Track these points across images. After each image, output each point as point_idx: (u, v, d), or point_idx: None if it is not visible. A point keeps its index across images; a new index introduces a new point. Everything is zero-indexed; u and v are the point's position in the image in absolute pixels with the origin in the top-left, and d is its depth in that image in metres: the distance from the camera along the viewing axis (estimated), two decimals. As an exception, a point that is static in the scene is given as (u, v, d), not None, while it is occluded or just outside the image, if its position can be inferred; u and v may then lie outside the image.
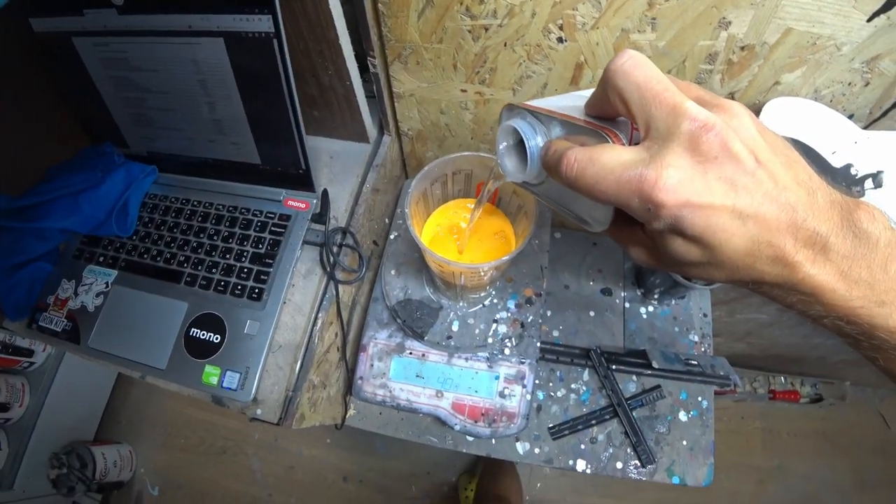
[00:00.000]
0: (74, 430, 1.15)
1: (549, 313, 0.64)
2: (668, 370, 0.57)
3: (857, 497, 1.16)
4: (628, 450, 0.56)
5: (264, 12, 0.40)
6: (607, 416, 0.57)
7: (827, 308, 0.21)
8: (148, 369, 0.48)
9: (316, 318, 0.50)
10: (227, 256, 0.51)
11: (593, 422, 0.57)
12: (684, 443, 0.56)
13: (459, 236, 0.48)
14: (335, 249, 0.51)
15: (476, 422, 0.53)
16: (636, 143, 0.21)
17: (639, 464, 0.55)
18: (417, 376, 0.55)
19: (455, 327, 0.54)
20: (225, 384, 0.46)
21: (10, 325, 0.54)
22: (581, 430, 0.57)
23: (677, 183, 0.19)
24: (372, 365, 0.56)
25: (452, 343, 0.53)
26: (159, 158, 0.57)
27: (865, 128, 0.43)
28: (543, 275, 0.56)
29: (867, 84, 0.40)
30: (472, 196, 0.49)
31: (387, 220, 0.65)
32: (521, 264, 0.56)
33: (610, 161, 0.21)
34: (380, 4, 0.42)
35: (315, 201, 0.53)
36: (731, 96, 0.43)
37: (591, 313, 0.64)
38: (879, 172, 0.40)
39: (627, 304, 0.65)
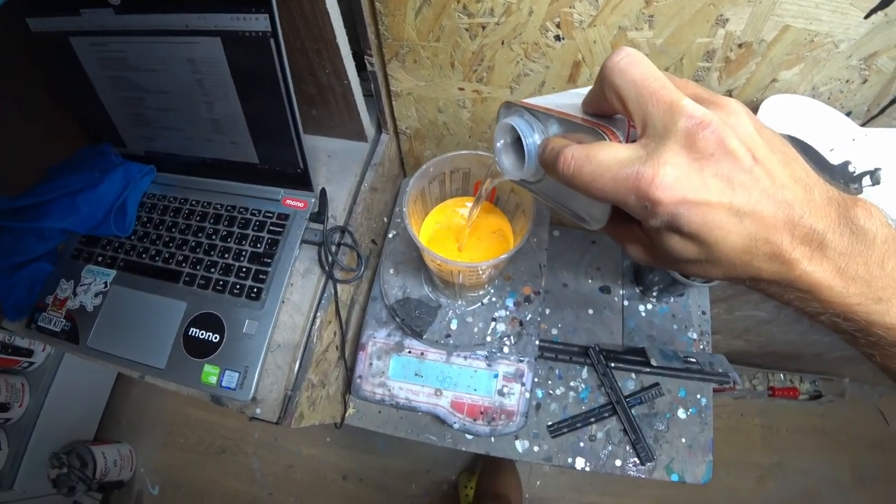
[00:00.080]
0: (74, 429, 1.15)
1: (547, 311, 0.64)
2: (667, 368, 0.57)
3: (856, 493, 1.16)
4: (627, 447, 0.56)
5: (261, 11, 0.40)
6: (606, 414, 0.57)
7: (824, 305, 0.21)
8: (147, 369, 0.48)
9: (314, 318, 0.50)
10: (226, 256, 0.51)
11: (592, 420, 0.57)
12: (683, 440, 0.56)
13: (458, 235, 0.48)
14: (333, 248, 0.51)
15: (475, 420, 0.53)
16: (633, 141, 0.21)
17: (638, 461, 0.55)
18: (416, 375, 0.55)
19: (454, 326, 0.54)
20: (224, 383, 0.46)
21: (10, 326, 0.54)
22: (580, 427, 0.57)
23: (674, 180, 0.19)
24: (371, 364, 0.56)
25: (451, 341, 0.53)
26: (157, 158, 0.57)
27: (863, 125, 0.43)
28: (542, 273, 0.56)
29: (865, 81, 0.40)
30: (471, 194, 0.49)
31: (385, 219, 0.65)
32: (519, 262, 0.56)
33: (607, 159, 0.21)
34: (377, 3, 0.42)
35: (313, 200, 0.53)
36: (729, 94, 0.43)
37: (590, 311, 0.64)
38: (877, 169, 0.40)
39: (626, 302, 0.65)
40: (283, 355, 0.48)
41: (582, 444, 0.57)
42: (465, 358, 0.55)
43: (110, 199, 0.53)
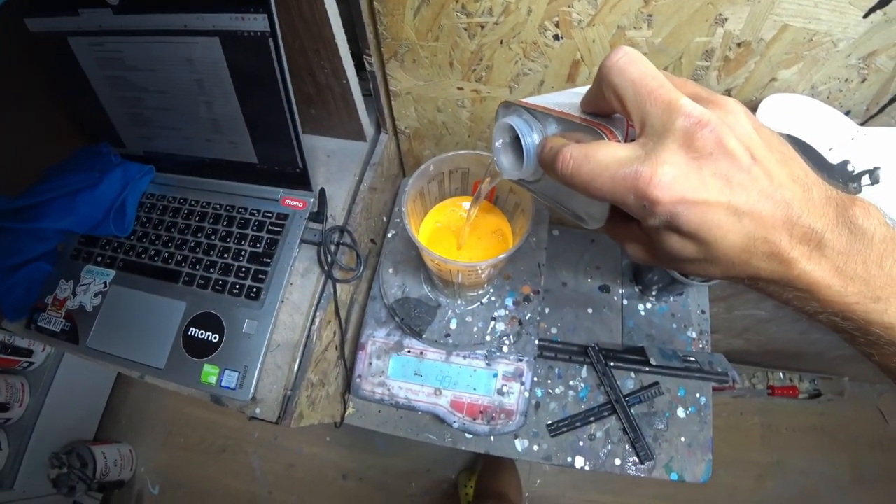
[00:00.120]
0: (74, 429, 1.15)
1: (547, 310, 0.64)
2: (666, 367, 0.57)
3: (855, 492, 1.17)
4: (626, 446, 0.56)
5: (260, 11, 0.40)
6: (605, 413, 0.58)
7: (822, 304, 0.21)
8: (147, 369, 0.48)
9: (314, 317, 0.50)
10: (225, 256, 0.51)
11: (591, 419, 0.57)
12: (682, 439, 0.56)
13: (457, 234, 0.48)
14: (333, 248, 0.51)
15: (474, 419, 0.53)
16: (632, 140, 0.21)
17: (637, 460, 0.55)
18: (416, 374, 0.55)
19: (453, 325, 0.54)
20: (223, 383, 0.46)
21: (9, 326, 0.54)
22: (579, 426, 0.57)
23: (672, 180, 0.19)
24: (370, 363, 0.56)
25: (450, 341, 0.53)
26: (156, 158, 0.57)
27: (862, 124, 0.43)
28: (541, 272, 0.56)
29: (864, 80, 0.40)
30: (470, 194, 0.49)
31: (384, 219, 0.65)
32: (518, 262, 0.56)
33: (605, 158, 0.21)
34: (375, 3, 0.42)
35: (312, 200, 0.53)
36: (728, 93, 0.43)
37: (590, 310, 0.64)
38: (876, 169, 0.40)
39: (625, 301, 0.65)
40: (283, 355, 0.48)
41: (581, 443, 0.57)
42: (465, 357, 0.55)
43: (109, 199, 0.53)
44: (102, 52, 0.48)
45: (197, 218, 0.54)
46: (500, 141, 0.31)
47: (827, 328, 0.22)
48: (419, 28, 0.44)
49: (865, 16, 0.34)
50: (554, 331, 0.64)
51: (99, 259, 0.54)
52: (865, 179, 0.41)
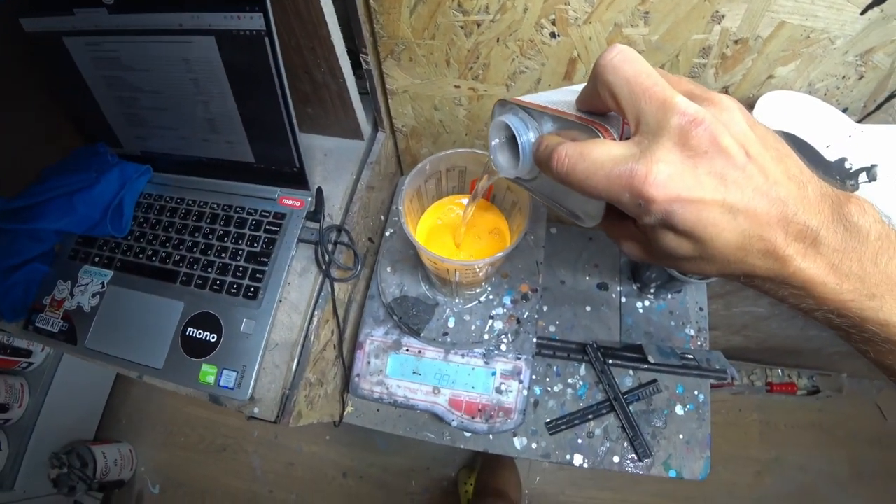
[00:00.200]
0: (74, 429, 1.15)
1: (545, 309, 0.64)
2: (665, 364, 0.57)
3: (853, 488, 1.17)
4: (625, 444, 0.56)
5: (255, 10, 0.40)
6: (604, 411, 0.58)
7: (818, 301, 0.21)
8: (145, 369, 0.48)
9: (312, 316, 0.50)
10: (223, 255, 0.51)
11: (590, 416, 0.57)
12: (681, 436, 0.56)
13: (454, 233, 0.48)
14: (330, 247, 0.51)
15: (473, 418, 0.53)
16: (627, 138, 0.21)
17: (636, 458, 0.56)
18: (414, 373, 0.55)
19: (451, 324, 0.54)
20: (222, 383, 0.46)
21: (7, 327, 0.53)
22: (578, 424, 0.57)
23: (667, 178, 0.19)
24: (369, 362, 0.56)
25: (449, 339, 0.53)
26: (153, 158, 0.57)
27: (860, 121, 0.43)
28: (539, 270, 0.56)
29: (861, 77, 0.40)
30: (467, 192, 0.49)
31: (382, 217, 0.65)
32: (516, 260, 0.56)
33: (600, 156, 0.21)
34: (371, 1, 0.42)
35: (310, 199, 0.53)
36: (725, 90, 0.43)
37: (588, 308, 0.64)
38: (873, 166, 0.40)
39: (624, 299, 0.65)
40: (281, 354, 0.48)
41: (580, 441, 0.57)
42: (463, 356, 0.55)
43: (107, 199, 0.53)
44: (98, 52, 0.48)
45: (194, 218, 0.54)
46: (497, 139, 0.30)
47: (822, 325, 0.22)
48: (415, 26, 0.44)
49: (862, 12, 0.34)
50: (552, 329, 0.64)
51: (96, 259, 0.54)
52: (863, 177, 0.41)
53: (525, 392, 0.53)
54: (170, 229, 0.54)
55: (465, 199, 0.50)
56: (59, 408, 1.06)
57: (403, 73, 0.50)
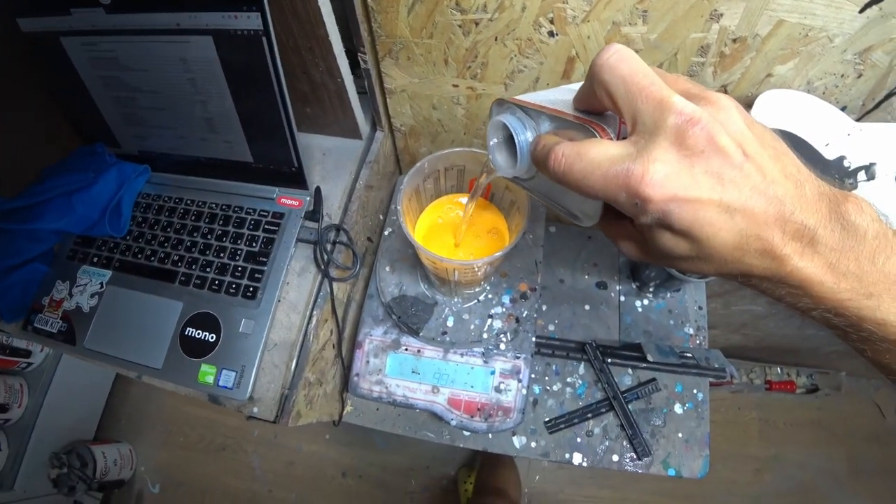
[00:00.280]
0: (74, 429, 1.15)
1: (544, 308, 0.64)
2: (664, 363, 0.57)
3: (852, 485, 1.17)
4: (624, 442, 0.56)
5: (253, 10, 0.40)
6: (603, 410, 0.58)
7: (815, 300, 0.21)
8: (144, 369, 0.48)
9: (311, 316, 0.50)
10: (222, 255, 0.51)
11: (589, 415, 0.58)
12: (680, 435, 0.56)
13: (453, 232, 0.48)
14: (329, 247, 0.51)
15: (472, 417, 0.53)
16: (624, 138, 0.21)
17: (635, 456, 0.56)
18: (413, 372, 0.55)
19: (450, 323, 0.54)
20: (221, 383, 0.46)
21: (6, 327, 0.53)
22: (577, 423, 0.57)
23: (664, 177, 0.19)
24: (368, 361, 0.56)
25: (448, 339, 0.53)
26: (151, 158, 0.57)
27: (858, 120, 0.43)
28: (538, 269, 0.56)
29: (860, 76, 0.40)
30: (465, 191, 0.49)
31: (381, 217, 0.65)
32: (515, 259, 0.56)
33: (597, 156, 0.21)
34: (369, 0, 0.42)
35: (308, 199, 0.53)
36: (724, 89, 0.43)
37: (587, 307, 0.64)
38: (872, 164, 0.40)
39: (623, 298, 0.65)
40: (280, 354, 0.48)
41: (579, 440, 0.57)
42: (462, 355, 0.55)
43: (105, 200, 0.53)
44: (95, 52, 0.48)
45: (193, 217, 0.54)
46: (495, 139, 0.30)
47: (820, 324, 0.22)
48: (413, 25, 0.44)
49: (861, 11, 0.34)
50: (551, 328, 0.64)
51: (95, 259, 0.54)
52: (861, 175, 0.41)
53: (524, 391, 0.53)
54: (168, 229, 0.54)
55: (463, 199, 0.50)
56: (59, 408, 1.06)
57: (401, 73, 0.50)
